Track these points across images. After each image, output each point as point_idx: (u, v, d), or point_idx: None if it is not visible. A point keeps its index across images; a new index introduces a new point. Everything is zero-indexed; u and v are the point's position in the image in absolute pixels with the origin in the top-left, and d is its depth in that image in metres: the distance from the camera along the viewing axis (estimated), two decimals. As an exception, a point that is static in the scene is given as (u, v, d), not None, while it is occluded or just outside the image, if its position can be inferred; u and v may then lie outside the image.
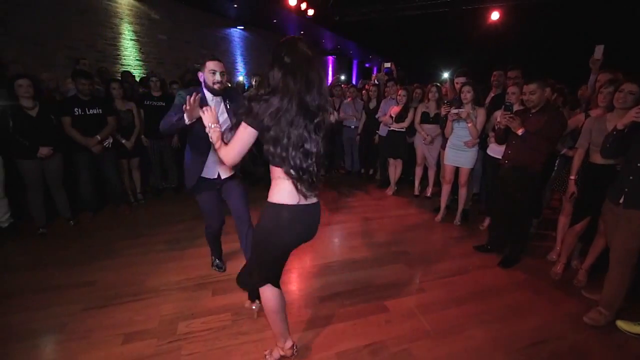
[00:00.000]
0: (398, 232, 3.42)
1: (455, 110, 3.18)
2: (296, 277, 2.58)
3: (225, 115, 2.10)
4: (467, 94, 3.21)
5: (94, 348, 1.83)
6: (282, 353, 1.73)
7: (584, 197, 2.40)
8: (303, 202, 1.39)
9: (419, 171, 4.50)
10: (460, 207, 3.62)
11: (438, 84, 4.19)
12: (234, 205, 2.26)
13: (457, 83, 3.59)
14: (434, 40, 8.63)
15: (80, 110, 3.27)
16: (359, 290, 2.41)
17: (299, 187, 1.34)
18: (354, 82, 14.14)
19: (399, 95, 4.24)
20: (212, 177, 2.18)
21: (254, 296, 2.06)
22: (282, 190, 1.37)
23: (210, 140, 1.50)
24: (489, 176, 3.37)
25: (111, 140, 3.59)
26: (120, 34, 5.92)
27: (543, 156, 2.55)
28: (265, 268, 1.55)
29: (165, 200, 4.29)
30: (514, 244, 2.82)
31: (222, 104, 2.11)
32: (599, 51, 2.81)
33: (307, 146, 1.31)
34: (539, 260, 2.91)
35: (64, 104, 3.31)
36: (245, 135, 1.32)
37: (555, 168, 3.09)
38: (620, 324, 2.06)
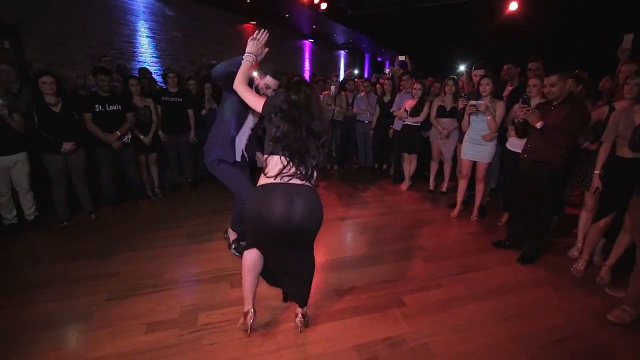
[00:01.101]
0: (413, 227, 3.40)
1: (474, 102, 3.11)
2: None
3: (252, 123, 2.38)
4: (486, 87, 3.14)
5: (118, 337, 1.90)
6: (245, 312, 1.88)
7: (609, 192, 2.33)
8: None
9: (434, 166, 4.45)
10: (478, 202, 3.57)
11: (455, 77, 4.11)
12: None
13: (475, 76, 3.51)
14: (450, 32, 8.42)
15: (100, 107, 3.35)
16: (376, 285, 2.41)
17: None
18: (365, 76, 14.01)
19: (415, 88, 4.18)
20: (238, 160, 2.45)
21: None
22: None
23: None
24: (508, 171, 3.30)
25: (130, 136, 3.67)
26: (137, 31, 6.02)
27: (564, 150, 2.48)
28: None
29: (182, 195, 4.37)
30: (533, 240, 2.76)
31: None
32: (628, 40, 2.70)
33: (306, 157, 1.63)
34: (560, 257, 2.85)
35: (85, 101, 3.40)
36: (256, 101, 1.81)
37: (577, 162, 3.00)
38: (647, 322, 2.00)
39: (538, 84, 2.96)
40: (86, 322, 2.01)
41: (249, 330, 1.87)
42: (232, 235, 2.82)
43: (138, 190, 3.95)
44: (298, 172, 1.61)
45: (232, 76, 1.98)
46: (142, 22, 6.08)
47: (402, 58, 4.98)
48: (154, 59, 6.38)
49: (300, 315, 1.94)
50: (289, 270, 1.88)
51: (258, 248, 1.79)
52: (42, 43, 4.62)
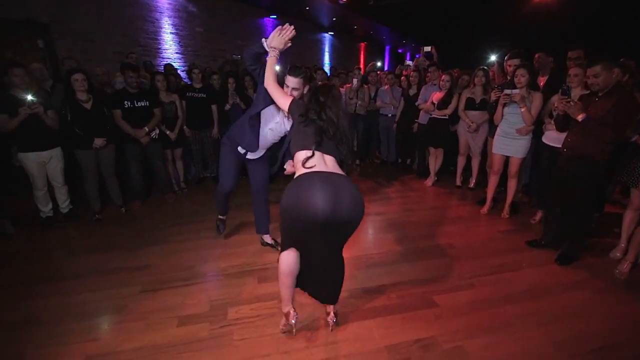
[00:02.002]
0: (441, 224, 3.30)
1: (508, 91, 2.95)
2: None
3: (279, 119, 2.35)
4: (522, 78, 2.96)
5: (151, 329, 1.93)
6: (285, 313, 1.82)
7: (662, 191, 2.16)
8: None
9: (461, 161, 4.29)
10: (510, 199, 3.41)
11: (485, 68, 3.92)
12: (256, 176, 2.71)
13: (509, 66, 3.33)
14: (476, 20, 8.03)
15: (129, 103, 3.41)
16: (405, 283, 2.35)
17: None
18: (386, 68, 13.71)
19: (442, 80, 4.03)
20: (252, 158, 2.57)
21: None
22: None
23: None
24: (544, 166, 3.13)
25: (157, 132, 3.74)
26: (161, 28, 6.11)
27: (608, 145, 2.31)
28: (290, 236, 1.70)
29: (206, 189, 4.43)
30: (573, 240, 2.61)
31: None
32: None
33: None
34: (600, 258, 2.69)
35: (114, 97, 3.47)
36: (283, 100, 1.89)
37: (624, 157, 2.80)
38: None
39: (580, 74, 2.77)
40: (119, 313, 2.07)
41: (294, 330, 1.84)
42: (268, 238, 2.88)
43: (165, 184, 4.03)
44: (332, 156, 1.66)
45: (257, 57, 2.11)
46: (166, 18, 6.16)
47: (427, 49, 4.82)
48: (178, 55, 6.47)
49: (332, 313, 1.91)
50: (320, 271, 1.80)
51: (295, 246, 1.71)
52: (72, 41, 4.77)
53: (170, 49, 6.29)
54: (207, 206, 3.77)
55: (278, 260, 1.74)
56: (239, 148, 2.51)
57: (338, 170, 1.65)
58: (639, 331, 1.92)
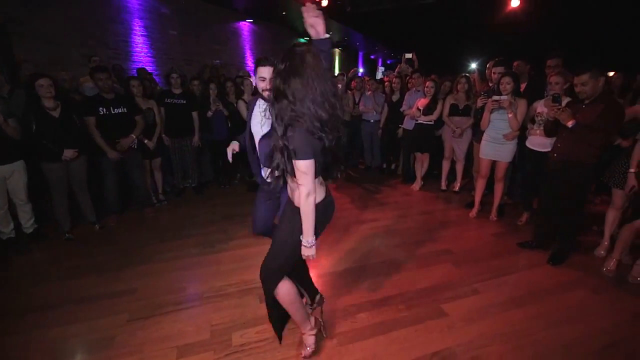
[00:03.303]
0: (435, 230, 3.32)
1: (497, 97, 3.04)
2: (341, 279, 2.48)
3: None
4: (507, 85, 3.06)
5: (147, 363, 1.74)
6: (311, 334, 1.77)
7: (647, 192, 2.29)
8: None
9: (446, 165, 4.39)
10: (497, 202, 3.52)
11: (467, 75, 4.05)
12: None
13: (494, 73, 3.44)
14: (452, 29, 8.38)
15: (104, 110, 3.14)
16: (411, 293, 2.31)
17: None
18: (359, 74, 13.90)
19: (427, 87, 4.10)
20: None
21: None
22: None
23: None
24: (529, 170, 3.25)
25: (137, 141, 3.47)
26: (132, 29, 5.74)
27: (597, 149, 2.43)
28: (290, 265, 1.60)
29: (187, 201, 4.18)
30: (563, 240, 2.72)
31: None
32: None
33: None
34: (586, 256, 2.81)
35: (87, 104, 3.18)
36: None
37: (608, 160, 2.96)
38: (693, 323, 1.97)
39: (561, 82, 2.90)
40: (108, 347, 1.85)
41: (324, 333, 1.89)
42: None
43: (144, 197, 3.75)
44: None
45: None
46: (136, 20, 5.79)
47: (408, 55, 4.88)
48: (149, 58, 6.10)
49: (320, 319, 1.87)
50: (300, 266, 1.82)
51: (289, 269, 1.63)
52: (33, 43, 4.32)
53: (142, 52, 5.92)
54: (191, 220, 3.54)
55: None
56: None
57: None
58: (638, 326, 2.01)
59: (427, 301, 2.23)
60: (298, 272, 1.82)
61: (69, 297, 2.27)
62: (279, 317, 1.80)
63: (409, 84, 4.65)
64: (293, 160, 1.30)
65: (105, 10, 5.27)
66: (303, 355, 1.76)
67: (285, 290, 1.60)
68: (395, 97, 4.81)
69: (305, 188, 1.32)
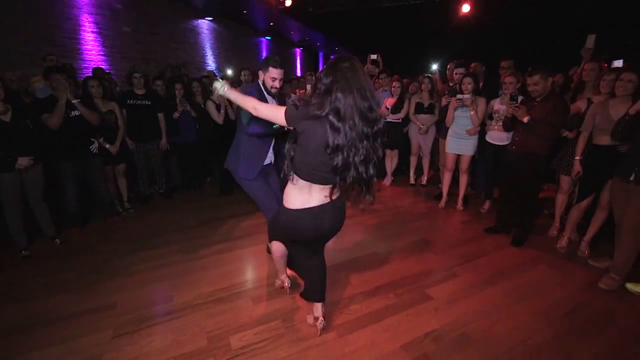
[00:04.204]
0: (410, 222, 3.52)
1: (460, 96, 3.30)
2: (332, 275, 2.51)
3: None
4: (468, 85, 3.34)
5: (143, 378, 1.66)
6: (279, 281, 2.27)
7: (589, 176, 2.64)
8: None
9: (413, 160, 4.64)
10: (462, 193, 3.81)
11: (430, 75, 4.32)
12: (274, 184, 2.49)
13: (456, 74, 3.72)
14: (412, 32, 8.83)
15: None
16: (398, 282, 2.44)
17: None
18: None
19: (394, 86, 4.31)
20: (267, 163, 2.39)
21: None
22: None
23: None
24: (489, 162, 3.57)
25: (97, 145, 3.23)
26: (80, 25, 5.25)
27: (549, 141, 2.76)
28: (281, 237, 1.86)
29: (156, 208, 3.97)
30: (523, 224, 3.03)
31: (275, 102, 2.28)
32: (590, 40, 3.08)
33: None
34: (542, 237, 3.17)
35: (42, 105, 2.87)
36: (278, 111, 1.51)
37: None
38: (630, 286, 2.32)
39: (514, 82, 3.23)
40: (96, 366, 1.73)
41: (287, 290, 2.26)
42: None
43: (108, 206, 3.49)
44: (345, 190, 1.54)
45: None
46: (86, 15, 5.32)
47: (374, 57, 5.08)
48: (102, 57, 5.63)
49: (321, 317, 1.93)
50: (310, 268, 1.91)
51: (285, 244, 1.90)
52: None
53: (92, 50, 5.45)
54: (164, 227, 3.38)
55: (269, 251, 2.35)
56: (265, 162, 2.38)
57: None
58: (590, 292, 2.33)
59: (413, 288, 2.37)
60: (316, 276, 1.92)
61: (40, 318, 2.07)
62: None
63: (376, 85, 4.84)
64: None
65: (49, 4, 4.76)
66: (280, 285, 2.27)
67: (277, 247, 1.93)
68: (363, 97, 4.96)
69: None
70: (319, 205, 1.53)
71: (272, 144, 2.38)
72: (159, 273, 2.57)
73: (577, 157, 2.69)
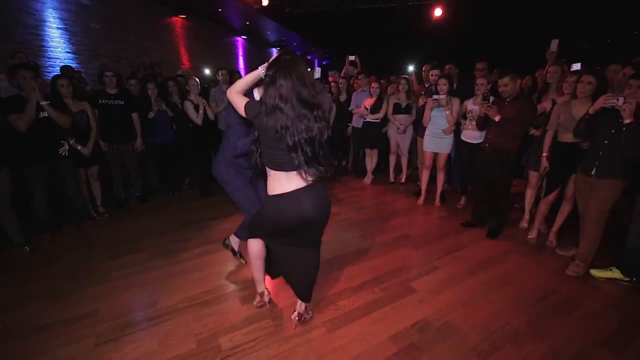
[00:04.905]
0: (390, 218, 3.62)
1: (436, 96, 3.44)
2: (319, 272, 2.56)
3: None
4: (444, 86, 3.49)
5: (129, 385, 1.62)
6: (258, 299, 2.13)
7: (555, 171, 2.84)
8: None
9: (392, 159, 4.76)
10: (439, 189, 3.96)
11: (407, 77, 4.46)
12: (261, 187, 2.37)
13: (432, 76, 3.86)
14: (388, 34, 9.02)
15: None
16: (383, 277, 2.51)
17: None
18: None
19: (372, 87, 4.41)
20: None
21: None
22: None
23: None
24: (464, 159, 3.74)
25: (67, 147, 3.07)
26: (44, 21, 4.95)
27: (518, 139, 2.94)
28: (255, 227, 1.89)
29: (133, 211, 3.83)
30: (496, 217, 3.20)
31: None
32: (554, 44, 3.30)
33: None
34: (513, 229, 3.36)
35: (7, 105, 2.69)
36: (239, 102, 1.66)
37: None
38: (594, 272, 2.52)
39: (485, 83, 3.41)
40: (79, 377, 1.66)
41: (267, 305, 2.12)
42: (235, 244, 2.62)
43: (81, 211, 3.33)
44: (311, 174, 1.58)
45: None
46: (50, 10, 5.01)
47: (352, 58, 5.16)
48: (69, 54, 5.33)
49: (297, 312, 1.98)
50: (296, 265, 1.90)
51: (266, 241, 1.90)
52: None
53: (58, 48, 5.15)
54: (142, 231, 3.27)
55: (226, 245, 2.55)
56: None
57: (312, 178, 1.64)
58: (558, 280, 2.50)
59: (398, 281, 2.45)
60: (301, 274, 1.92)
61: (14, 330, 1.95)
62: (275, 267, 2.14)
63: (354, 85, 4.93)
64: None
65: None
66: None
67: (254, 245, 1.94)
68: (342, 98, 5.04)
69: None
70: (295, 190, 1.62)
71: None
72: (138, 278, 2.49)
73: (544, 154, 2.89)
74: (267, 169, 1.66)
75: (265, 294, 2.11)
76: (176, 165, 4.39)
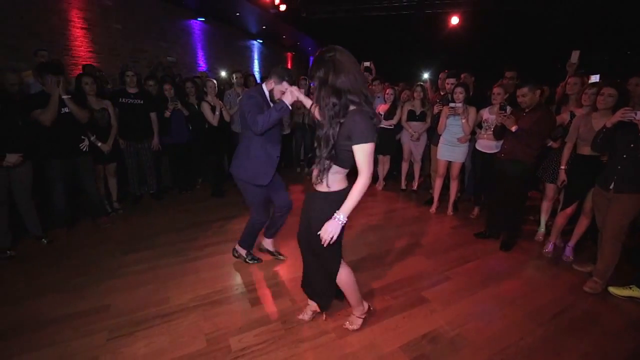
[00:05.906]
0: (403, 226, 3.58)
1: (453, 104, 3.41)
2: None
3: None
4: (460, 95, 3.46)
5: (140, 381, 1.63)
6: (362, 318, 2.00)
7: (573, 184, 2.78)
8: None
9: (405, 166, 4.73)
10: (452, 198, 3.91)
11: (422, 84, 4.44)
12: (281, 194, 2.53)
13: (448, 84, 3.84)
14: (403, 41, 9.04)
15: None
16: (394, 285, 2.48)
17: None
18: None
19: (387, 93, 4.40)
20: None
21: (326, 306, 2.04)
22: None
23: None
24: (478, 169, 3.69)
25: (88, 143, 3.15)
26: (69, 21, 5.12)
27: (535, 150, 2.89)
28: (338, 251, 1.82)
29: (146, 209, 3.90)
30: (511, 229, 3.14)
31: None
32: (575, 56, 3.25)
33: None
34: (528, 242, 3.29)
35: (34, 100, 2.78)
36: None
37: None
38: (612, 289, 2.44)
39: (501, 92, 3.37)
40: (91, 370, 1.68)
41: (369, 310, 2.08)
42: (242, 252, 2.68)
43: (98, 206, 3.40)
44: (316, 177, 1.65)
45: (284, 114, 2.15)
46: (75, 11, 5.19)
47: (367, 64, 5.17)
48: (91, 54, 5.50)
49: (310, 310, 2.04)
50: (308, 272, 1.95)
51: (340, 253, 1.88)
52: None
53: (81, 47, 5.32)
54: (155, 229, 3.32)
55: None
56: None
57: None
58: (575, 296, 2.43)
59: (409, 290, 2.42)
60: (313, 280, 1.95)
61: (29, 321, 2.00)
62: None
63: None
64: (353, 146, 1.47)
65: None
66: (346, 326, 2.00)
67: (344, 272, 1.85)
68: (356, 103, 5.03)
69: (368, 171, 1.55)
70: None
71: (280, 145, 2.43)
72: (150, 275, 2.52)
73: (563, 167, 2.83)
74: (341, 169, 1.67)
75: (366, 306, 2.05)
76: (190, 164, 4.45)
